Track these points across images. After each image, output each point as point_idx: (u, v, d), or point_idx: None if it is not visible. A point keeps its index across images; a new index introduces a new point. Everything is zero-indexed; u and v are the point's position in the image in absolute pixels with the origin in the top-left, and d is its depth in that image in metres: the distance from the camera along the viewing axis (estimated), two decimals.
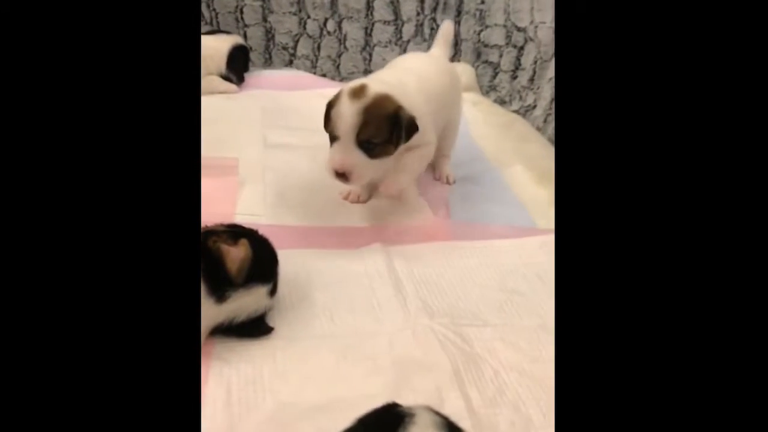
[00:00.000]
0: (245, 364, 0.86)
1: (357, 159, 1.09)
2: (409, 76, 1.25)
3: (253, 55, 2.04)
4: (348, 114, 1.08)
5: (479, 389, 0.86)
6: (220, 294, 0.85)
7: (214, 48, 1.84)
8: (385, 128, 1.09)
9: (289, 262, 1.07)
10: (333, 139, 1.12)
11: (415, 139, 1.16)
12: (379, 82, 1.15)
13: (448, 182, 1.47)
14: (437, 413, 0.66)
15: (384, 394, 0.78)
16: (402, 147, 1.14)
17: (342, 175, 1.10)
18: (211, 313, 0.85)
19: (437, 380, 0.87)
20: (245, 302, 0.88)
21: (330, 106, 1.13)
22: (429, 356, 0.91)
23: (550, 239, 1.23)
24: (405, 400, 0.69)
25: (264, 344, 0.90)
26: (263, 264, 0.92)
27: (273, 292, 0.94)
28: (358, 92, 1.10)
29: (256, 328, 0.91)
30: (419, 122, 1.15)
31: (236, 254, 0.87)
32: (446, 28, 1.53)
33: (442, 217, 1.31)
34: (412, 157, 1.22)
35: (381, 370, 0.88)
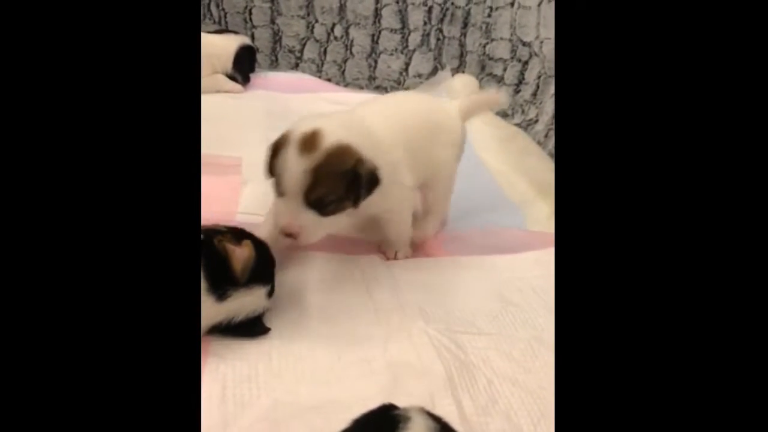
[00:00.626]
0: (241, 361, 0.86)
1: (307, 219, 0.94)
2: (377, 114, 1.09)
3: (259, 57, 2.06)
4: (295, 171, 0.92)
5: (472, 397, 0.87)
6: (221, 293, 0.86)
7: (222, 47, 1.85)
8: (340, 186, 0.94)
9: (287, 264, 1.08)
10: (278, 193, 0.97)
11: (386, 190, 1.02)
12: (337, 125, 0.97)
13: (396, 258, 1.19)
14: (432, 416, 0.67)
15: (378, 397, 0.79)
16: (359, 205, 0.99)
17: (291, 235, 0.96)
18: (210, 311, 0.86)
19: (431, 385, 0.88)
20: (245, 302, 0.89)
21: (274, 152, 0.97)
22: (423, 361, 0.92)
23: (547, 253, 1.24)
24: (399, 403, 0.70)
25: (260, 343, 0.91)
26: (264, 265, 0.93)
27: (271, 293, 0.94)
28: (308, 143, 0.93)
29: (253, 328, 0.92)
30: (384, 170, 1.00)
31: (241, 254, 0.88)
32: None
33: (441, 228, 1.32)
34: (392, 222, 1.14)
35: (375, 373, 0.89)
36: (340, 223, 1.01)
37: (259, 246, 0.94)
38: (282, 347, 0.91)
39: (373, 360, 0.92)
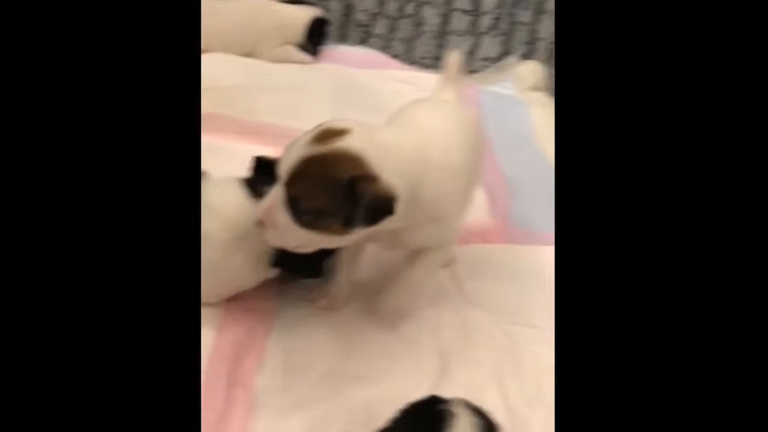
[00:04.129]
0: (299, 333, 0.91)
1: (281, 217, 0.78)
2: (429, 141, 0.87)
3: (329, 29, 2.08)
4: (293, 158, 0.78)
5: (520, 388, 0.89)
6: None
7: (295, 17, 1.88)
8: (324, 196, 0.77)
9: None
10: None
11: (434, 233, 0.89)
12: (370, 134, 0.81)
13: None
14: (476, 410, 0.70)
15: (426, 381, 0.83)
16: (365, 231, 0.80)
17: (260, 224, 0.81)
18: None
19: (477, 374, 0.91)
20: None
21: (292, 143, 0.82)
22: (472, 349, 0.95)
23: None
24: (445, 390, 0.73)
25: (317, 317, 0.96)
26: None
27: None
28: (323, 136, 0.79)
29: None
30: (429, 205, 0.84)
31: None
32: (452, 62, 1.17)
33: (500, 220, 1.33)
34: (421, 264, 0.92)
35: (424, 354, 0.93)
36: (323, 243, 0.82)
37: None
38: (337, 322, 0.95)
39: (422, 341, 0.95)
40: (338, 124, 0.80)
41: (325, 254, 0.94)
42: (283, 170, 0.78)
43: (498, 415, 0.78)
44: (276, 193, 0.78)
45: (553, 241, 1.27)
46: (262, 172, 0.93)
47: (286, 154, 0.79)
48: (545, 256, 1.23)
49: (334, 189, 0.76)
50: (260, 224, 0.80)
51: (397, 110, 0.99)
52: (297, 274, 0.98)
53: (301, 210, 0.77)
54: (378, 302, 0.96)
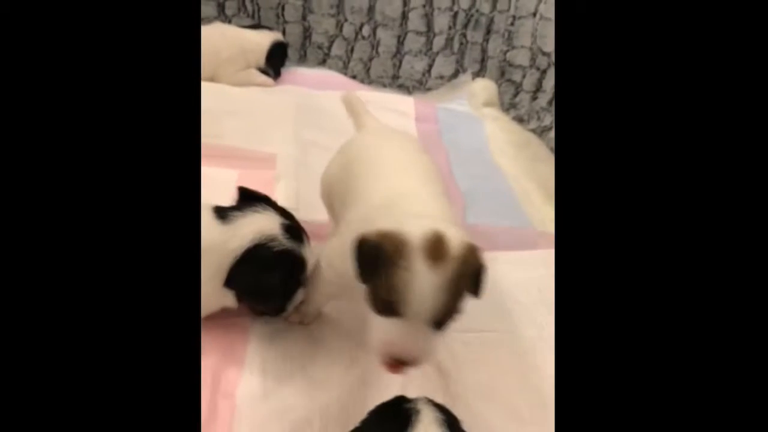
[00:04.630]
0: (278, 344, 0.98)
1: (429, 343, 0.75)
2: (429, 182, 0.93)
3: (289, 51, 2.15)
4: (430, 288, 0.72)
5: (472, 388, 0.98)
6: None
7: (256, 43, 1.95)
8: (465, 293, 0.77)
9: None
10: (391, 312, 0.74)
11: None
12: (447, 220, 0.80)
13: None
14: (438, 406, 0.77)
15: (394, 385, 0.91)
16: None
17: (401, 363, 0.76)
18: None
19: (435, 377, 0.99)
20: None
21: (388, 263, 0.73)
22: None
23: (550, 254, 1.35)
24: (408, 392, 0.80)
25: (295, 329, 1.03)
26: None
27: None
28: (437, 249, 0.73)
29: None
30: None
31: None
32: (352, 100, 1.26)
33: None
34: None
35: None
36: None
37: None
38: (310, 332, 1.03)
39: None
40: (427, 229, 0.75)
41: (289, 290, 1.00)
42: (419, 306, 0.73)
43: (455, 412, 0.86)
44: (409, 327, 0.74)
45: (507, 247, 1.38)
46: (244, 201, 1.00)
47: (404, 288, 0.72)
48: (499, 261, 1.32)
49: (471, 284, 0.78)
50: (397, 364, 0.76)
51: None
52: (258, 307, 1.03)
53: (451, 319, 0.77)
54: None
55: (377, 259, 0.73)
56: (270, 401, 0.89)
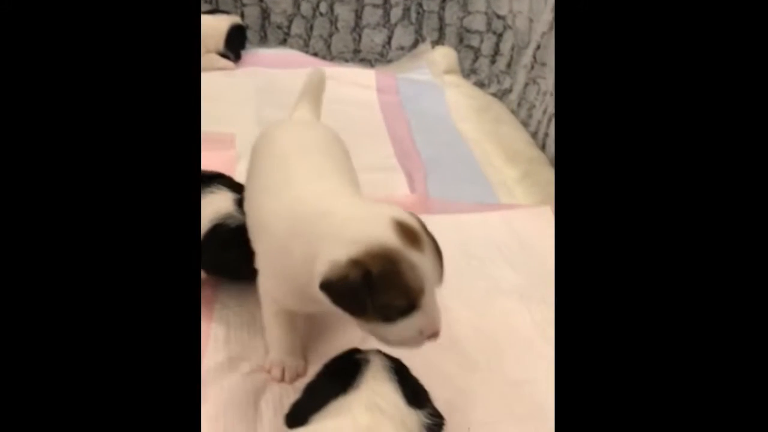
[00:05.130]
0: (242, 308, 1.03)
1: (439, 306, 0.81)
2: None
3: (249, 33, 2.17)
4: (432, 269, 0.78)
5: (444, 354, 1.02)
6: None
7: (214, 27, 1.97)
8: None
9: None
10: (409, 311, 0.77)
11: None
12: (377, 205, 0.84)
13: None
14: (388, 356, 0.82)
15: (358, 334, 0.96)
16: None
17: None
18: None
19: None
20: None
21: (388, 278, 0.74)
22: None
23: (510, 213, 1.40)
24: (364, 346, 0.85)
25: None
26: None
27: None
28: (411, 235, 0.78)
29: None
30: None
31: None
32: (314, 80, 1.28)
33: (419, 194, 1.47)
34: None
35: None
36: None
37: None
38: None
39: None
40: (402, 218, 0.79)
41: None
42: (431, 281, 0.78)
43: (414, 362, 0.91)
44: (431, 302, 0.78)
45: (469, 210, 1.43)
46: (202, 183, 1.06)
47: (417, 276, 0.75)
48: (461, 221, 1.37)
49: None
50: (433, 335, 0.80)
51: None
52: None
53: None
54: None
55: (368, 286, 0.73)
56: (237, 371, 0.94)
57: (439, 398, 0.82)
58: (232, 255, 1.00)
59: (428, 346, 1.00)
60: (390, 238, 0.75)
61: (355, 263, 0.73)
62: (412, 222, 0.79)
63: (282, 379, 0.93)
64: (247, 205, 0.97)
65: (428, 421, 0.77)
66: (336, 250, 0.74)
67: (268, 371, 0.93)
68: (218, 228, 1.01)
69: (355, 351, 0.84)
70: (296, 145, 0.99)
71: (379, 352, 0.83)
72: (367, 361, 0.80)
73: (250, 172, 1.02)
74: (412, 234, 0.77)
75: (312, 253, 0.76)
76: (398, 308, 0.76)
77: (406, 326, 0.77)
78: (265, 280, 0.90)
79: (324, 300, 0.76)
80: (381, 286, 0.73)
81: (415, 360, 0.95)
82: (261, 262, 0.90)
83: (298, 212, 0.82)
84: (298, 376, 0.94)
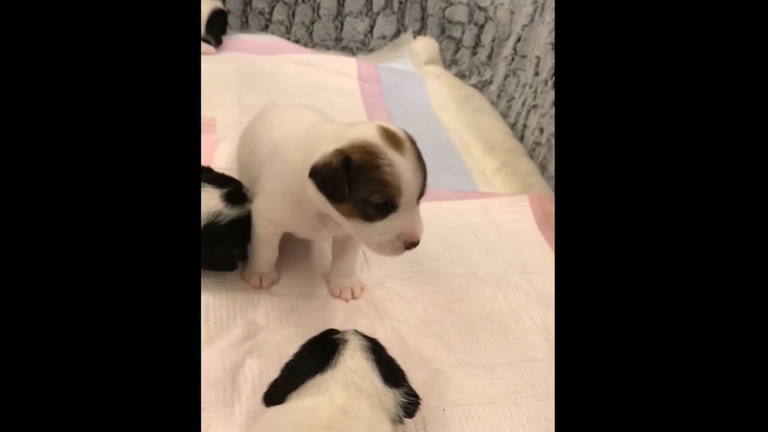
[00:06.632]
0: (221, 289, 1.04)
1: (420, 217, 0.89)
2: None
3: (230, 18, 2.15)
4: (412, 171, 0.84)
5: (408, 322, 1.05)
6: None
7: None
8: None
9: None
10: (390, 207, 0.85)
11: None
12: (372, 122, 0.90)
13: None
14: (365, 336, 0.84)
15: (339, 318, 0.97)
16: None
17: (413, 245, 0.88)
18: None
19: (371, 318, 1.06)
20: None
21: (366, 169, 0.83)
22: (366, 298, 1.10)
23: (489, 201, 1.42)
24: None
25: (236, 275, 1.09)
26: None
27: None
28: (395, 140, 0.85)
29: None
30: None
31: None
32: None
33: None
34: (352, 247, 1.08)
35: (331, 309, 1.07)
36: None
37: None
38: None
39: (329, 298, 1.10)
40: (382, 127, 0.86)
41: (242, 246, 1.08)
42: (411, 188, 0.84)
43: (392, 345, 0.93)
44: (410, 210, 0.86)
45: (447, 197, 1.44)
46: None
47: (395, 177, 0.82)
48: (440, 208, 1.39)
49: None
50: (412, 245, 0.87)
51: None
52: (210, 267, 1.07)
53: None
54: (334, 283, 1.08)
55: (346, 173, 0.83)
56: (215, 345, 0.95)
57: (415, 379, 0.84)
58: (225, 251, 1.06)
59: (405, 328, 1.03)
60: (373, 137, 0.84)
61: (339, 152, 0.83)
62: (398, 131, 0.87)
63: (260, 286, 1.07)
64: (249, 154, 1.12)
65: (404, 401, 0.79)
66: (327, 146, 0.85)
67: (248, 280, 1.08)
68: (208, 227, 1.01)
69: (333, 331, 0.85)
70: (298, 106, 1.19)
71: (357, 332, 0.84)
72: (344, 341, 0.81)
73: (250, 132, 1.18)
74: (396, 139, 0.85)
75: (310, 158, 0.86)
76: (376, 205, 0.84)
77: (384, 227, 0.85)
78: (265, 200, 1.00)
79: (313, 201, 0.88)
80: (359, 174, 0.83)
81: (393, 341, 0.98)
82: (264, 184, 1.00)
83: (304, 131, 0.96)
84: (272, 283, 1.08)
